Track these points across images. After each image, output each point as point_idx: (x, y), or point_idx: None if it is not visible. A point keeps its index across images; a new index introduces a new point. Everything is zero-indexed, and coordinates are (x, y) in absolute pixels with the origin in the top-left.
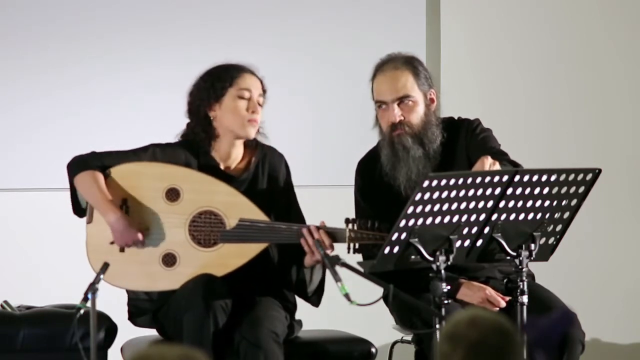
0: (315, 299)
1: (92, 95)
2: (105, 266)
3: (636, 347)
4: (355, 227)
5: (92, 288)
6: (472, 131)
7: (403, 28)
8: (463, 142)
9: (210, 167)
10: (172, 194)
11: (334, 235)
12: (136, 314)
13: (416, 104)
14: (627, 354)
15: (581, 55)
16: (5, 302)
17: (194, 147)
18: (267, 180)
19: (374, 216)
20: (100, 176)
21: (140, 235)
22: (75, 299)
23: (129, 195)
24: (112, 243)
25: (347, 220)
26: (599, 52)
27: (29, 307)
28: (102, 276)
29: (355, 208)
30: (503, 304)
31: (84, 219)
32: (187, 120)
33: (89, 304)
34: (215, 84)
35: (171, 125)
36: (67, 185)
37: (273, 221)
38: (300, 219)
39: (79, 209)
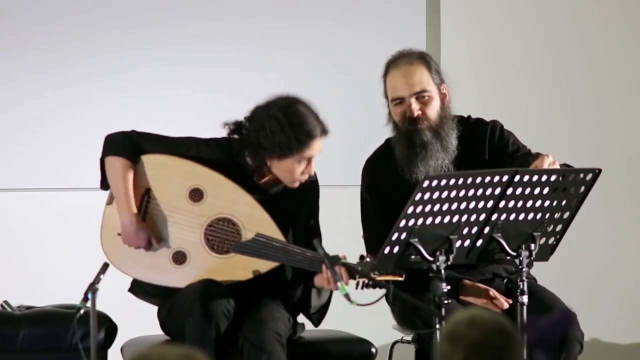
0: (316, 317)
1: (92, 95)
2: (105, 266)
3: (636, 347)
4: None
5: (92, 288)
6: (500, 134)
7: (403, 28)
8: (484, 141)
9: (243, 175)
10: (196, 194)
11: (351, 272)
12: (138, 290)
13: (432, 99)
14: (627, 354)
15: (581, 55)
16: (5, 302)
17: (235, 152)
18: (294, 196)
19: (384, 214)
20: (129, 168)
21: (145, 244)
22: (75, 299)
23: (153, 186)
24: (119, 234)
25: (362, 257)
26: (599, 52)
27: (29, 307)
28: (102, 276)
29: (361, 208)
30: (506, 305)
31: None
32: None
33: (89, 304)
34: (284, 144)
35: (172, 124)
36: (67, 186)
37: (289, 242)
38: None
39: (105, 183)
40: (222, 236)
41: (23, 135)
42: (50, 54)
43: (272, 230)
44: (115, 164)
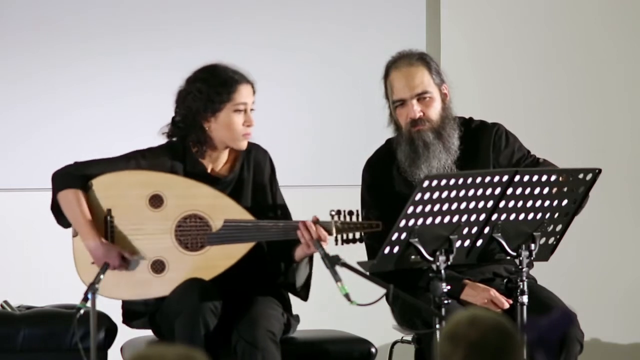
0: (303, 293)
1: (91, 95)
2: (105, 266)
3: (636, 347)
4: (341, 218)
5: (92, 288)
6: (505, 140)
7: (403, 28)
8: (488, 145)
9: (197, 171)
10: (156, 201)
11: (326, 229)
12: (131, 317)
13: (433, 99)
14: (627, 354)
15: (581, 55)
16: (5, 302)
17: (179, 151)
18: (252, 178)
19: (385, 214)
20: (81, 196)
21: (119, 262)
22: (75, 299)
23: (112, 206)
24: (92, 263)
25: (332, 212)
26: (599, 52)
27: (29, 307)
28: (102, 276)
29: (361, 208)
30: (507, 306)
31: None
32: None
33: (89, 304)
34: (213, 97)
35: None
36: None
37: (258, 219)
38: (286, 215)
39: (63, 220)
40: (192, 233)
41: (23, 135)
42: (50, 54)
43: (238, 213)
44: (67, 196)
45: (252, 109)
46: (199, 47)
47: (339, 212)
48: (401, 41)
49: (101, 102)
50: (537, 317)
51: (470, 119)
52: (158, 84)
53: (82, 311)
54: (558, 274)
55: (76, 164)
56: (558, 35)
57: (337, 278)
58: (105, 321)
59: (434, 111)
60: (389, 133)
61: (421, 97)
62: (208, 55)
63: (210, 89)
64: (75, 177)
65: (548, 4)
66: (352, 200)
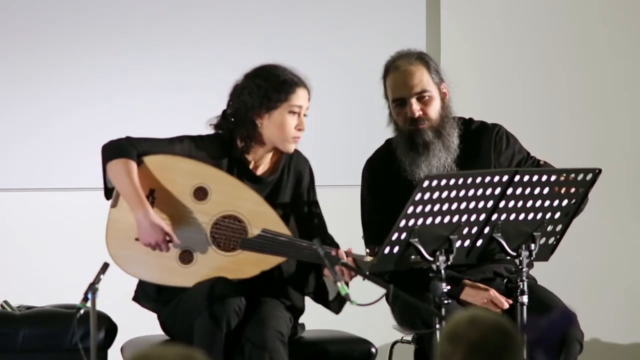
0: (336, 305)
1: (91, 95)
2: (105, 266)
3: (636, 347)
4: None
5: (92, 288)
6: (506, 141)
7: (403, 28)
8: (489, 145)
9: (239, 165)
10: (201, 193)
11: (359, 264)
12: (142, 297)
13: (433, 99)
14: (627, 354)
15: (581, 55)
16: (5, 302)
17: (227, 143)
18: (291, 183)
19: (385, 213)
20: (134, 167)
21: (163, 238)
22: (75, 299)
23: (157, 186)
24: (137, 239)
25: (371, 250)
26: (599, 52)
27: (29, 307)
28: (102, 276)
29: (361, 208)
30: (506, 306)
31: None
32: (219, 112)
33: (89, 304)
34: (270, 94)
35: (171, 125)
36: (67, 186)
37: (295, 237)
38: (322, 224)
39: (108, 190)
40: (228, 233)
41: (23, 135)
42: (50, 54)
43: (278, 225)
44: (118, 165)
45: (305, 114)
46: (199, 47)
47: (373, 248)
48: (401, 41)
49: (101, 102)
50: (537, 317)
51: (471, 119)
52: (158, 84)
53: (82, 311)
54: (558, 274)
55: (128, 138)
56: (558, 35)
57: (337, 278)
58: (105, 321)
59: (434, 110)
60: (389, 133)
61: (420, 96)
62: (208, 55)
63: (269, 86)
64: (126, 149)
65: (548, 4)
66: (352, 200)
